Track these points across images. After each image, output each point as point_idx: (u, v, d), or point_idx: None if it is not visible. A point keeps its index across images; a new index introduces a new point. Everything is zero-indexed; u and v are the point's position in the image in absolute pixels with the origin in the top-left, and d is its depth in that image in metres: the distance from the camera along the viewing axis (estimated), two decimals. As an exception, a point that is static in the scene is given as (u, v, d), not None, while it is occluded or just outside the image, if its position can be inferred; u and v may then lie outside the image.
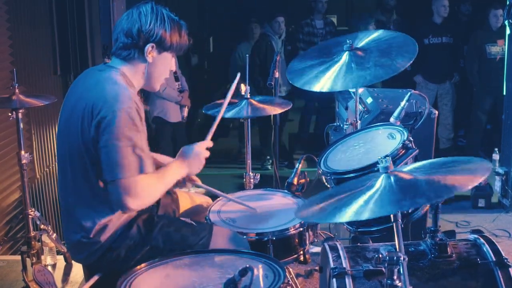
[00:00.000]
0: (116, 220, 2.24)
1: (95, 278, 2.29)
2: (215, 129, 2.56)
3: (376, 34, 2.91)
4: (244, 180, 3.34)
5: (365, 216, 1.64)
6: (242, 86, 3.24)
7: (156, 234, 2.29)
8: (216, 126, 2.59)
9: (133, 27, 2.20)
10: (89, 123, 2.11)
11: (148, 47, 2.22)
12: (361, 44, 2.87)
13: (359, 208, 1.68)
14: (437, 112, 3.90)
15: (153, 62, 2.26)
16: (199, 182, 2.56)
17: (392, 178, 1.75)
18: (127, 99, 2.11)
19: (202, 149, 2.40)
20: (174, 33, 2.25)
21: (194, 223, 2.42)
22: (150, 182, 2.17)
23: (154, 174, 2.23)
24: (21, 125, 3.46)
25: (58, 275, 3.60)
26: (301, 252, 2.58)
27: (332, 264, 2.15)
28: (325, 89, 2.76)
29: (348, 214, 1.68)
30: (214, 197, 2.83)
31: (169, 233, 2.31)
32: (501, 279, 2.09)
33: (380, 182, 1.75)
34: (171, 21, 2.25)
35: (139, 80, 2.29)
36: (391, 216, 1.81)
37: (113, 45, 2.29)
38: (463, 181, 1.65)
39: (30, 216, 3.55)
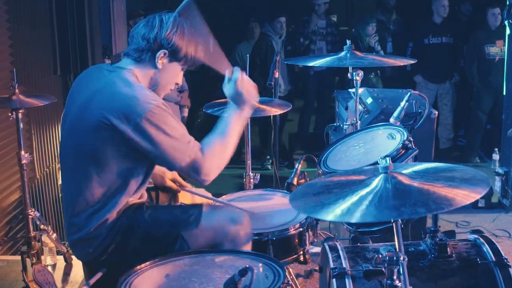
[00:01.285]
0: (112, 215, 2.25)
1: (99, 275, 2.28)
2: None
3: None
4: (244, 180, 3.34)
5: (357, 217, 1.63)
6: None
7: (146, 220, 2.29)
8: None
9: (151, 32, 2.22)
10: (119, 127, 2.10)
11: (161, 53, 2.23)
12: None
13: (353, 207, 1.67)
14: (437, 112, 3.91)
15: (162, 69, 2.27)
16: (190, 188, 2.58)
17: (391, 181, 1.74)
18: (151, 98, 2.14)
19: (242, 81, 2.35)
20: (190, 46, 2.27)
21: (183, 204, 2.44)
22: (215, 152, 2.24)
23: (216, 140, 2.28)
24: (21, 125, 3.46)
25: (58, 275, 3.60)
26: (301, 252, 2.58)
27: (332, 264, 2.15)
28: (318, 64, 2.89)
29: (340, 213, 1.67)
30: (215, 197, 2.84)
31: (158, 215, 2.32)
32: (501, 279, 2.09)
33: (377, 181, 1.75)
34: (190, 34, 2.27)
35: (146, 84, 2.29)
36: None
37: (127, 46, 2.31)
38: (463, 196, 1.65)
39: (30, 216, 3.54)
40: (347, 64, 3.15)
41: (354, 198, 1.71)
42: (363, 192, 1.72)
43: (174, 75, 2.33)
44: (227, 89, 2.37)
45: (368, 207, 1.65)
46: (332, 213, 1.68)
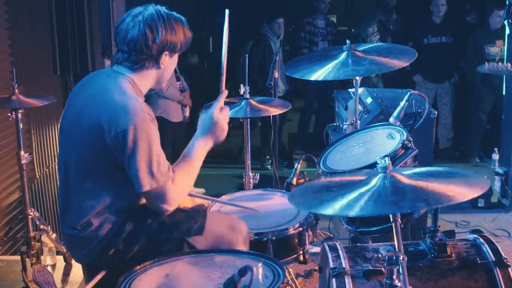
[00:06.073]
0: (112, 216, 2.24)
1: (101, 275, 2.27)
2: (224, 84, 2.44)
3: (378, 44, 3.05)
4: (244, 180, 3.33)
5: (356, 211, 1.64)
6: (242, 86, 3.25)
7: (151, 223, 2.28)
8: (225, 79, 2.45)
9: (145, 40, 2.17)
10: (103, 135, 2.10)
11: (163, 56, 2.23)
12: (362, 48, 2.94)
13: (351, 203, 1.68)
14: (436, 112, 3.91)
15: (165, 67, 2.29)
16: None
17: (390, 179, 1.74)
18: (140, 111, 2.11)
19: (220, 115, 2.33)
20: (180, 34, 2.25)
21: (188, 209, 2.43)
22: (182, 180, 2.22)
23: (182, 168, 2.25)
24: (21, 125, 3.46)
25: (57, 275, 3.61)
26: (301, 252, 2.58)
27: (331, 264, 2.15)
28: (320, 78, 2.79)
29: (339, 208, 1.68)
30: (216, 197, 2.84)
31: (163, 220, 2.29)
32: (501, 279, 2.09)
33: (376, 180, 1.75)
34: (175, 22, 2.23)
35: (147, 85, 2.30)
36: (391, 216, 1.81)
37: (116, 51, 2.26)
38: (461, 192, 1.66)
39: (29, 216, 3.55)
40: None
41: (353, 195, 1.72)
42: (362, 189, 1.73)
43: (174, 64, 2.37)
44: (203, 117, 2.35)
45: (367, 202, 1.66)
46: (331, 208, 1.70)
